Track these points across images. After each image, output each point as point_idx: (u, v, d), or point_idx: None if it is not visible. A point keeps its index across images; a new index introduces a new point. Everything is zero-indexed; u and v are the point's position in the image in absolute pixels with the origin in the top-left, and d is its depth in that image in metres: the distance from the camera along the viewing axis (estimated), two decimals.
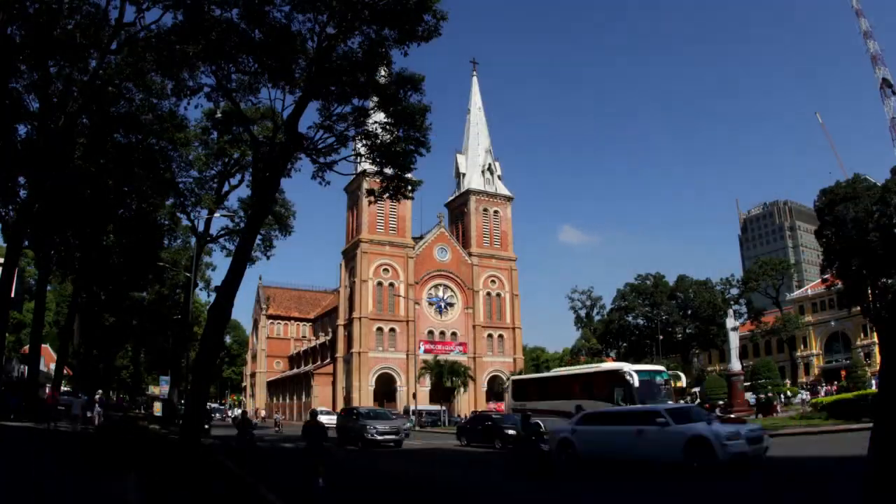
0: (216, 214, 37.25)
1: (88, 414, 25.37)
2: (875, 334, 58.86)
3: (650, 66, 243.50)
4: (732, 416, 21.74)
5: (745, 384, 38.08)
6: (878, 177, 51.29)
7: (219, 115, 22.38)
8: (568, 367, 39.96)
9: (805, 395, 31.68)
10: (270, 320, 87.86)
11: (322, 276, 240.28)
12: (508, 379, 59.32)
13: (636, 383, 22.84)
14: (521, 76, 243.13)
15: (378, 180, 20.72)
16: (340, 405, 61.10)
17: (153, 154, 28.61)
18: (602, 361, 59.37)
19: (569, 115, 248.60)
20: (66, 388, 49.24)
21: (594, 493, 12.35)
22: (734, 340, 35.62)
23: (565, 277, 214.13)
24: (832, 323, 65.57)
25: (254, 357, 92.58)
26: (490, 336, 66.69)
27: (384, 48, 16.88)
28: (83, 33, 22.38)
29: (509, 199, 70.89)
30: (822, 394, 41.99)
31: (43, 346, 43.41)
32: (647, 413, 14.60)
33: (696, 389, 47.95)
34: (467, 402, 59.04)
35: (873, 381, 44.07)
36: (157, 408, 43.10)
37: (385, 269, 62.74)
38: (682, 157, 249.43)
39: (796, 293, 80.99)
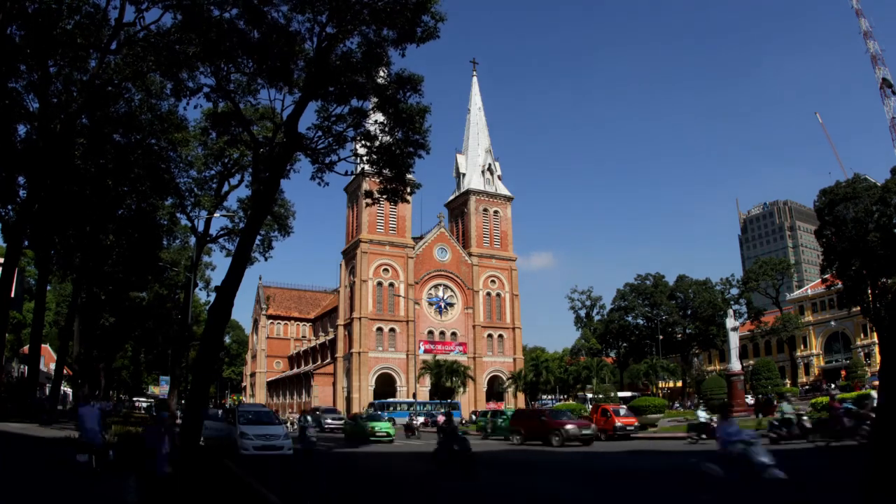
0: (216, 214, 37.23)
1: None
2: (875, 334, 58.85)
3: (650, 65, 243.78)
4: None
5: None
6: (878, 177, 51.30)
7: (218, 111, 22.30)
8: None
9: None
10: (270, 320, 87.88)
11: (322, 276, 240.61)
12: (508, 379, 59.70)
13: None
14: (520, 76, 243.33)
15: (377, 181, 20.68)
16: (341, 405, 61.17)
17: (152, 154, 28.57)
18: (602, 362, 59.60)
19: (568, 115, 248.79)
20: (65, 389, 49.28)
21: None
22: (734, 340, 35.64)
23: (566, 277, 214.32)
24: (832, 323, 65.57)
25: (254, 357, 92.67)
26: (490, 336, 66.68)
27: (383, 49, 16.84)
28: (83, 33, 22.35)
29: (509, 199, 70.88)
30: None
31: (43, 346, 43.39)
32: None
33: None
34: (467, 402, 59.06)
35: (868, 382, 44.08)
36: None
37: (385, 269, 62.73)
38: (683, 156, 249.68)
39: (796, 293, 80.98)
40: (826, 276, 57.51)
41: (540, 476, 15.94)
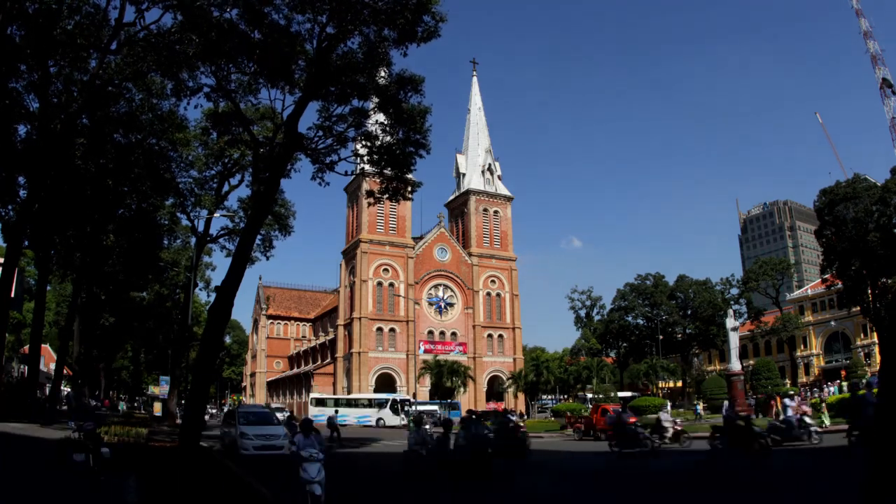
0: (216, 214, 37.20)
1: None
2: (875, 334, 58.84)
3: (650, 66, 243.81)
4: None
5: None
6: (878, 177, 51.28)
7: (219, 111, 22.25)
8: None
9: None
10: (270, 320, 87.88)
11: (322, 276, 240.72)
12: (508, 379, 59.70)
13: None
14: (520, 76, 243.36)
15: (378, 181, 20.69)
16: None
17: (153, 154, 28.54)
18: (602, 362, 59.62)
19: (568, 115, 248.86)
20: (66, 389, 49.25)
21: None
22: (734, 340, 35.55)
23: (566, 277, 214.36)
24: (832, 323, 65.55)
25: (254, 357, 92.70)
26: (490, 336, 66.68)
27: (383, 48, 16.85)
28: (83, 33, 22.33)
29: (509, 199, 70.88)
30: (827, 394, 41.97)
31: (43, 346, 43.39)
32: None
33: None
34: (467, 402, 59.04)
35: (865, 382, 44.06)
36: (158, 408, 43.21)
37: (385, 269, 62.73)
38: (683, 156, 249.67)
39: (796, 293, 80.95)
40: (826, 276, 57.46)
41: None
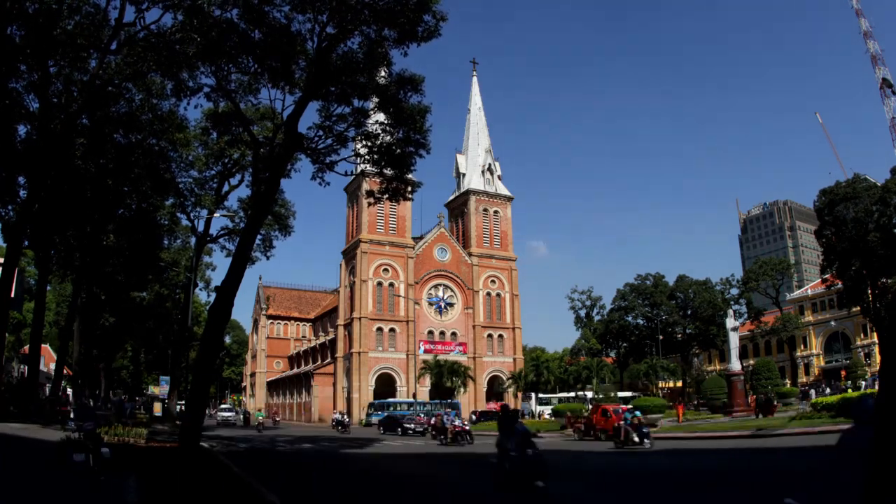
0: (216, 214, 37.26)
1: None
2: (875, 334, 58.86)
3: (650, 66, 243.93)
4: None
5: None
6: (878, 177, 51.31)
7: (219, 111, 22.21)
8: None
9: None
10: (270, 320, 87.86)
11: (322, 276, 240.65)
12: (508, 379, 59.71)
13: None
14: (521, 76, 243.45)
15: (378, 181, 20.69)
16: (341, 405, 61.20)
17: (153, 154, 28.55)
18: (602, 362, 59.62)
19: (568, 115, 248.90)
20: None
21: None
22: (734, 340, 35.65)
23: (565, 277, 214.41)
24: (832, 323, 65.58)
25: (254, 357, 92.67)
26: (490, 336, 66.67)
27: (384, 48, 16.86)
28: (83, 33, 22.33)
29: (509, 199, 70.88)
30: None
31: (43, 346, 43.37)
32: None
33: None
34: (467, 402, 59.05)
35: (863, 383, 44.09)
36: (157, 408, 43.23)
37: (385, 269, 62.73)
38: (683, 156, 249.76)
39: (796, 293, 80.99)
40: (826, 276, 57.53)
41: None
